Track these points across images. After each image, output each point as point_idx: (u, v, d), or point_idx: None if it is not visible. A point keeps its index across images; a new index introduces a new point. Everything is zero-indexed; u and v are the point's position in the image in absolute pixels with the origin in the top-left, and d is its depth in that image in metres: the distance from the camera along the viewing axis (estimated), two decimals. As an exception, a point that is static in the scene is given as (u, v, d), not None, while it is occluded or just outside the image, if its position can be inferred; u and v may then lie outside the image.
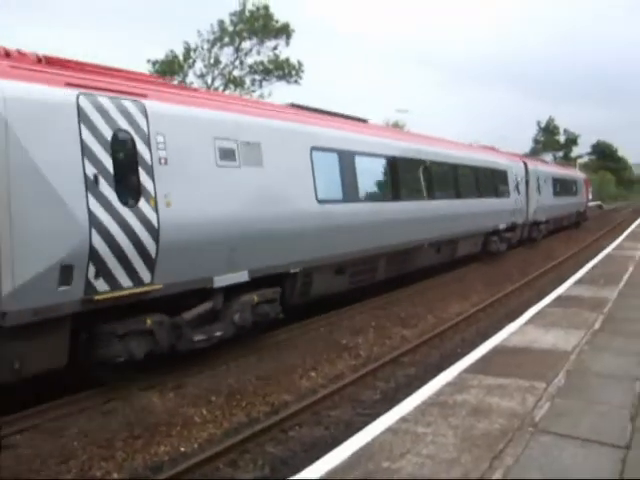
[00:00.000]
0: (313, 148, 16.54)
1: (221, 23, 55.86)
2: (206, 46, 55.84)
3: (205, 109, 13.50)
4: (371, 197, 19.79)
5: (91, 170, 10.56)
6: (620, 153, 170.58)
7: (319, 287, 16.88)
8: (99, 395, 11.50)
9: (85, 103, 10.66)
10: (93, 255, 10.41)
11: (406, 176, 22.31)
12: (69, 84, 10.61)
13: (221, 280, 13.15)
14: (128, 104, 11.46)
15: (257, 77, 57.89)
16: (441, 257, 25.68)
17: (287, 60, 57.36)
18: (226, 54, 56.85)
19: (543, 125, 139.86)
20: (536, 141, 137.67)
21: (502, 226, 32.39)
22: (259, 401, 11.77)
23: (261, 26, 55.49)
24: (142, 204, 11.34)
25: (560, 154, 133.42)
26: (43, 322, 9.94)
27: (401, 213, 20.82)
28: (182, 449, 9.85)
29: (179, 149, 12.28)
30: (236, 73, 57.60)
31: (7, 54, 10.60)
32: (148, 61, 53.51)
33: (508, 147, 36.42)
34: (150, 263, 11.44)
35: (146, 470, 9.16)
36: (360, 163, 18.77)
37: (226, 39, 56.16)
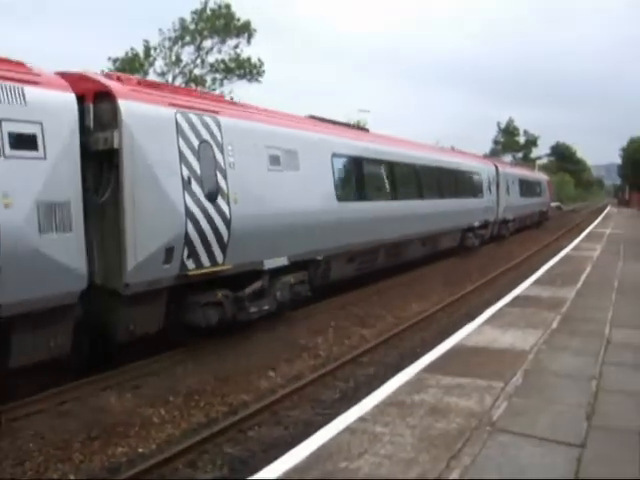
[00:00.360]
0: (333, 154, 19.69)
1: (182, 21, 55.53)
2: (167, 44, 55.48)
3: (260, 123, 16.52)
4: (375, 196, 22.81)
5: (186, 172, 13.32)
6: (579, 155, 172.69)
7: (336, 272, 19.96)
8: (56, 396, 11.33)
9: (181, 119, 13.50)
10: (187, 240, 13.19)
11: (401, 178, 25.69)
12: (171, 104, 13.48)
13: (269, 263, 16.08)
14: (208, 120, 14.33)
15: (218, 76, 57.60)
16: (425, 250, 28.82)
17: (248, 59, 57.15)
18: (187, 52, 56.54)
19: (503, 126, 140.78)
20: (496, 142, 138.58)
21: (476, 223, 35.82)
22: (218, 401, 11.73)
23: (222, 25, 55.22)
24: (219, 200, 14.19)
25: (520, 155, 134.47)
26: (150, 292, 12.66)
27: (397, 210, 23.98)
28: (140, 450, 9.79)
29: (242, 155, 15.15)
30: (197, 72, 57.28)
31: (118, 78, 13.28)
32: (109, 59, 53.06)
33: (469, 148, 38.86)
34: (223, 247, 14.26)
35: (103, 471, 9.09)
36: (366, 167, 22.47)
37: (187, 38, 55.82)
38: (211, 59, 57.25)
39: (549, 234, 50.99)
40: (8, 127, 10.07)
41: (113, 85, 12.52)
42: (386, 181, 24.16)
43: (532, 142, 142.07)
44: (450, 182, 32.50)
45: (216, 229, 14.01)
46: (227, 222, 14.30)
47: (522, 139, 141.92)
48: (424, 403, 8.68)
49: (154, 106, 12.99)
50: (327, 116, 22.20)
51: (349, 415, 8.27)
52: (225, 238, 14.25)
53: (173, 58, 55.75)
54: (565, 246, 33.86)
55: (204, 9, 55.48)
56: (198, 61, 57.01)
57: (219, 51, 57.18)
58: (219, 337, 15.11)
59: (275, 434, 10.47)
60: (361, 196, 21.61)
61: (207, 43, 56.69)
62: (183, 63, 56.43)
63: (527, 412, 8.39)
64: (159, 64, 55.61)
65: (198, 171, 13.68)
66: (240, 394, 12.12)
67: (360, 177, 22.13)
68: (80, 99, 11.58)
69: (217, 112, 14.81)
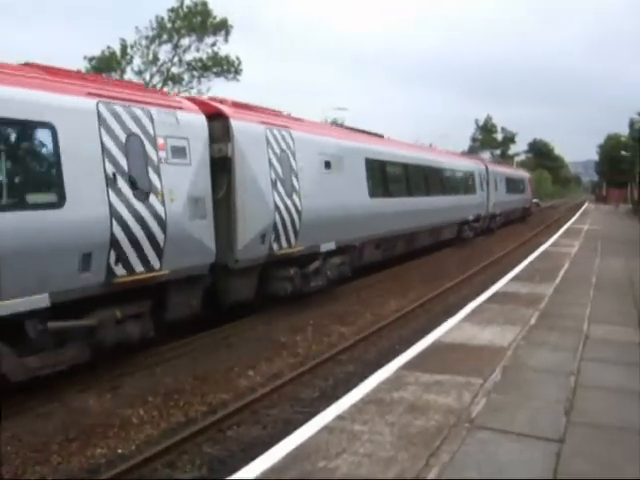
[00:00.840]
0: (366, 159, 23.91)
1: (159, 20, 55.31)
2: (144, 43, 55.24)
3: (316, 135, 20.88)
4: (395, 193, 27.37)
5: (273, 176, 17.35)
6: (557, 151, 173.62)
7: (367, 256, 24.20)
8: (34, 398, 11.22)
9: (268, 134, 17.49)
10: (275, 227, 17.22)
11: (413, 177, 30.54)
12: (261, 122, 17.48)
13: (324, 247, 20.05)
14: (285, 134, 18.38)
15: (195, 74, 57.42)
16: (431, 240, 33.42)
17: (226, 57, 57.02)
18: (164, 51, 56.33)
19: (481, 124, 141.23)
20: (474, 139, 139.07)
21: (471, 217, 40.57)
22: (197, 401, 11.65)
23: (199, 22, 55.03)
24: (294, 197, 18.26)
25: (498, 152, 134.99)
26: (250, 268, 16.59)
27: (411, 205, 28.43)
28: (119, 451, 9.69)
29: (306, 161, 19.15)
30: (175, 70, 57.10)
31: (221, 101, 17.13)
32: (84, 58, 52.78)
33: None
34: (296, 234, 18.28)
35: (82, 473, 8.98)
36: (389, 168, 27.24)
37: (164, 36, 55.60)
38: (189, 57, 57.10)
39: (527, 231, 51.26)
40: (171, 142, 13.81)
41: (225, 108, 16.43)
42: (403, 180, 29.19)
43: (510, 139, 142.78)
44: (450, 181, 37.64)
45: (292, 219, 18.08)
46: (299, 214, 18.37)
47: (500, 136, 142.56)
48: (403, 401, 8.67)
49: (251, 124, 16.92)
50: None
51: (327, 414, 8.25)
52: (298, 226, 18.31)
53: (150, 57, 55.52)
54: (543, 242, 34.10)
55: (180, 7, 55.30)
56: (175, 59, 56.83)
57: (197, 49, 57.05)
58: (198, 336, 15.09)
59: (254, 433, 10.41)
60: (386, 193, 26.15)
61: (184, 41, 56.56)
62: (160, 62, 56.23)
63: (506, 408, 8.41)
64: (137, 63, 55.39)
65: (281, 174, 17.73)
66: (219, 393, 12.06)
67: (384, 177, 26.79)
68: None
69: (289, 127, 18.92)
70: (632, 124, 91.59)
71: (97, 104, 12.15)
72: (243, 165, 16.08)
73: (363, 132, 26.91)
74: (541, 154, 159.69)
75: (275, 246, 17.32)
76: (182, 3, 55.19)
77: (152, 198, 13.08)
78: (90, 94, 12.18)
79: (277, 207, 17.28)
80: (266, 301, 18.14)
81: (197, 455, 9.61)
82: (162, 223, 13.21)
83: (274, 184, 17.28)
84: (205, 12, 55.17)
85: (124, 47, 54.16)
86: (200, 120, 14.99)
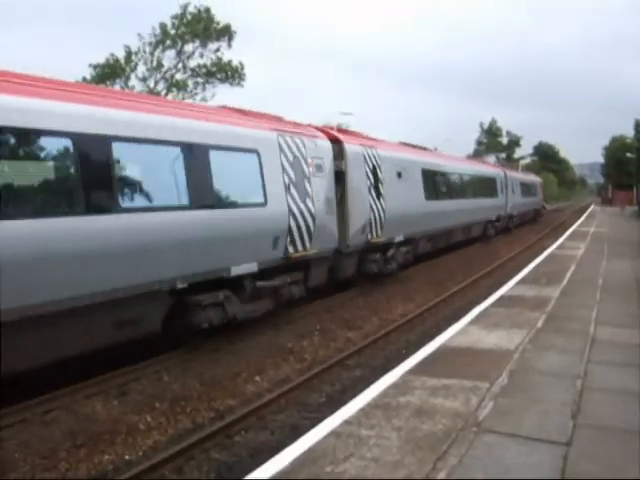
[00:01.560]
0: (422, 170, 29.73)
1: (163, 26, 55.28)
2: (148, 49, 55.20)
3: (392, 151, 26.97)
4: (442, 197, 33.13)
5: (368, 184, 22.97)
6: (562, 154, 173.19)
7: (421, 248, 29.80)
8: (41, 405, 11.25)
9: (365, 152, 23.20)
10: (370, 222, 22.83)
11: (452, 184, 36.80)
12: (361, 144, 23.38)
13: (397, 238, 25.46)
14: (374, 152, 24.06)
15: (200, 80, 57.37)
16: (464, 236, 38.91)
17: (229, 62, 56.98)
18: (168, 57, 56.29)
19: (486, 127, 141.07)
20: (479, 143, 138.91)
21: (493, 217, 45.99)
22: (204, 407, 11.65)
23: (202, 28, 54.98)
24: (381, 199, 23.79)
25: (503, 155, 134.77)
26: (354, 252, 22.26)
27: (452, 206, 34.23)
28: (127, 457, 9.69)
29: (387, 173, 24.75)
30: (179, 76, 57.04)
31: (331, 128, 24.57)
32: (89, 65, 52.78)
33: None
34: (381, 227, 23.72)
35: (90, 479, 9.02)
36: (436, 177, 32.93)
37: (168, 42, 55.58)
38: (193, 63, 57.05)
39: (533, 234, 51.25)
40: (314, 161, 19.45)
41: (340, 135, 22.56)
42: (446, 186, 35.05)
43: (515, 142, 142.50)
44: (479, 185, 43.32)
45: (380, 216, 23.65)
46: (384, 212, 23.91)
47: (505, 140, 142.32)
48: (410, 405, 8.67)
49: (355, 146, 22.69)
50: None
51: (335, 418, 8.25)
52: (383, 222, 23.82)
53: (154, 63, 55.48)
54: (549, 245, 34.03)
55: (184, 13, 55.28)
56: (180, 66, 56.79)
57: (201, 55, 56.98)
58: (205, 342, 15.09)
59: (261, 439, 10.42)
60: (436, 197, 31.71)
61: (188, 47, 56.50)
62: (165, 68, 56.20)
63: (513, 412, 8.41)
64: (141, 69, 55.36)
65: (373, 183, 23.41)
66: (226, 399, 12.07)
67: (434, 183, 32.23)
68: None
69: (376, 147, 24.68)
70: (637, 126, 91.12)
71: (277, 136, 17.70)
72: (352, 177, 21.84)
73: (416, 147, 34.23)
74: (546, 157, 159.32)
75: (369, 236, 22.96)
76: (185, 10, 55.23)
77: (307, 200, 18.61)
78: (273, 129, 17.77)
79: (371, 207, 23.09)
80: (359, 278, 23.88)
81: (204, 461, 9.63)
82: (312, 217, 18.77)
83: (369, 190, 23.08)
84: (208, 18, 55.17)
85: (128, 54, 54.15)
86: (328, 145, 20.81)
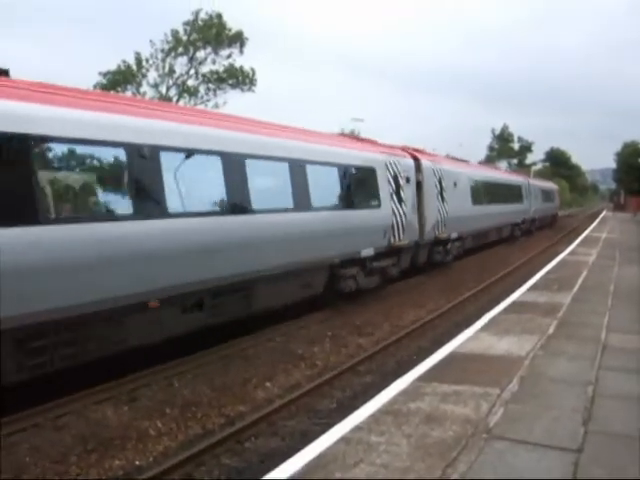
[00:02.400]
0: (468, 178, 36.61)
1: (175, 33, 55.51)
2: (160, 56, 55.44)
3: (448, 165, 33.09)
4: (484, 201, 39.56)
5: (436, 192, 29.34)
6: (574, 160, 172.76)
7: (467, 245, 35.76)
8: (52, 410, 11.28)
9: (434, 167, 29.61)
10: (438, 222, 29.10)
11: (490, 190, 42.35)
12: (431, 160, 30.04)
13: (453, 235, 31.47)
14: (439, 166, 30.29)
15: (211, 86, 57.53)
16: (496, 236, 44.76)
17: (241, 68, 57.14)
18: (180, 64, 56.52)
19: (498, 133, 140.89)
20: (491, 148, 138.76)
21: (519, 221, 52.04)
22: (214, 412, 11.66)
23: (214, 35, 55.15)
24: (444, 204, 29.96)
25: (515, 161, 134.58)
26: (426, 244, 28.63)
27: (489, 210, 40.43)
28: (137, 463, 9.71)
29: (446, 183, 30.95)
30: (190, 83, 57.26)
31: (407, 147, 30.02)
32: (99, 73, 53.02)
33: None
34: (444, 225, 29.91)
35: (101, 485, 9.05)
36: (479, 185, 39.33)
37: (180, 49, 55.81)
38: (205, 69, 57.27)
39: (545, 240, 51.28)
40: (405, 174, 25.46)
41: (418, 154, 28.64)
42: (486, 192, 40.90)
43: (527, 148, 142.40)
44: (509, 192, 49.88)
45: (443, 217, 29.98)
46: (446, 214, 30.27)
47: (517, 145, 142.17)
48: (420, 411, 8.66)
49: (427, 162, 29.14)
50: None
51: (345, 424, 8.24)
52: (445, 221, 30.16)
53: (166, 69, 55.71)
54: (561, 251, 33.97)
55: (196, 19, 55.50)
56: (192, 72, 57.02)
57: (213, 62, 57.21)
58: (215, 347, 15.11)
59: (272, 445, 10.42)
60: (479, 202, 38.02)
61: (200, 54, 56.73)
62: (177, 74, 56.42)
63: (524, 418, 8.38)
64: (152, 75, 55.59)
65: (439, 191, 29.76)
66: (237, 405, 12.07)
67: (478, 191, 38.54)
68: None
69: (440, 162, 31.66)
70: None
71: (385, 157, 24.19)
72: (426, 186, 28.33)
73: (458, 159, 40.40)
74: (558, 163, 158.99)
75: (437, 232, 29.29)
76: (197, 16, 55.43)
77: (401, 204, 24.85)
78: (381, 152, 24.42)
79: (439, 210, 29.58)
80: (424, 267, 29.63)
81: (215, 467, 9.64)
82: (405, 216, 25.01)
83: (437, 197, 29.56)
84: (220, 24, 55.35)
85: (139, 60, 54.38)
86: (412, 162, 27.21)
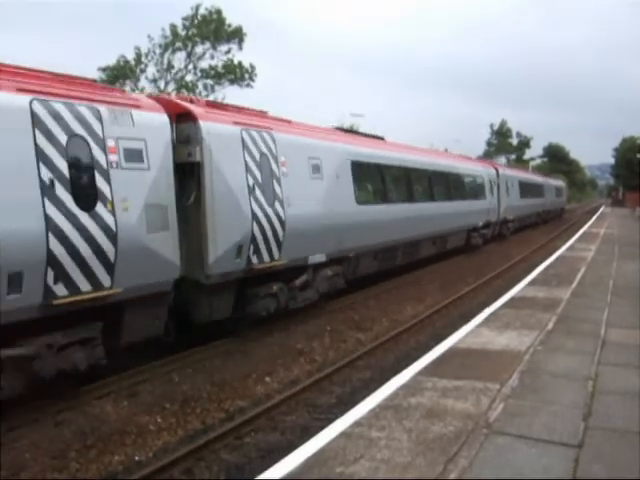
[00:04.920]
0: (520, 182, 52.42)
1: (173, 28, 55.42)
2: (158, 51, 55.37)
3: (504, 170, 49.20)
4: (522, 196, 52.17)
5: (505, 189, 46.33)
6: (572, 155, 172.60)
7: (517, 225, 49.93)
8: (51, 405, 11.27)
9: (499, 173, 45.44)
10: (505, 209, 44.98)
11: (526, 187, 54.78)
12: (493, 167, 45.25)
13: (510, 217, 46.37)
14: (499, 170, 45.86)
15: (209, 81, 57.49)
16: (536, 220, 63.11)
17: (239, 64, 57.07)
18: (178, 59, 56.47)
19: (496, 128, 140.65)
20: (489, 144, 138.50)
21: (541, 210, 66.38)
22: (214, 407, 11.68)
23: (213, 30, 55.08)
24: (507, 198, 46.21)
25: (513, 157, 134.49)
26: (500, 222, 45.44)
27: (527, 202, 54.92)
28: (137, 458, 9.73)
29: (503, 184, 44.06)
30: (189, 78, 57.20)
31: (476, 159, 51.41)
32: (99, 69, 52.94)
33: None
34: (507, 211, 45.85)
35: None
36: (519, 184, 51.78)
37: (178, 44, 55.73)
38: (204, 65, 57.21)
39: (544, 235, 51.31)
40: (491, 179, 42.09)
41: (497, 165, 48.97)
42: (524, 191, 53.60)
43: (525, 143, 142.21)
44: (540, 189, 66.80)
45: (507, 206, 45.14)
46: (508, 204, 44.80)
47: (515, 141, 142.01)
48: (420, 406, 8.65)
49: (501, 170, 46.49)
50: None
51: (345, 420, 8.24)
52: (508, 209, 44.44)
53: (165, 65, 55.65)
54: (559, 247, 33.95)
55: (195, 15, 55.42)
56: (190, 67, 56.96)
57: (211, 57, 57.14)
58: (214, 343, 15.11)
59: (272, 440, 10.43)
60: (524, 196, 52.90)
61: (198, 49, 56.67)
62: (175, 69, 56.36)
63: (524, 413, 8.38)
64: (151, 71, 55.53)
65: (506, 189, 45.04)
66: (236, 400, 12.08)
67: (520, 189, 51.61)
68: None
69: (498, 168, 45.70)
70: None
71: (484, 167, 39.98)
72: (501, 186, 42.51)
73: (521, 169, 62.37)
74: (556, 158, 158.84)
75: (505, 215, 43.56)
76: (196, 12, 55.34)
77: (492, 197, 40.65)
78: (482, 166, 40.65)
79: (505, 201, 42.99)
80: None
81: (214, 462, 9.64)
82: (495, 205, 40.74)
83: (505, 192, 43.36)
84: (219, 20, 55.28)
85: (138, 55, 54.31)
86: (494, 171, 39.76)
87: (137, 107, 12.94)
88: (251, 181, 15.50)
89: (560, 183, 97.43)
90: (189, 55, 56.42)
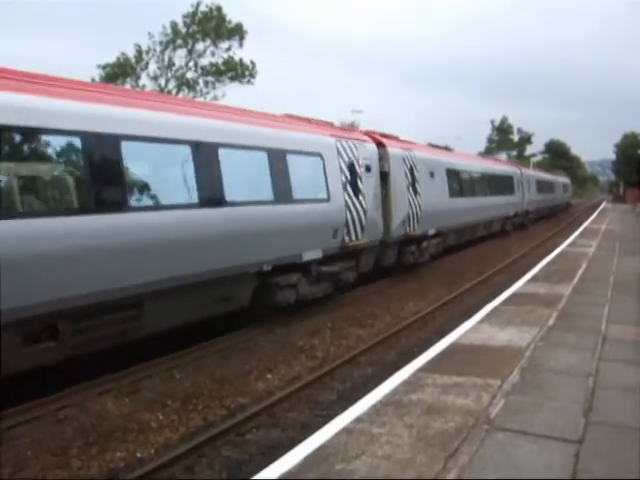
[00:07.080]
0: (536, 181, 60.72)
1: (174, 25, 55.35)
2: (159, 48, 55.27)
3: (526, 171, 58.03)
4: (538, 192, 60.22)
5: (525, 187, 54.31)
6: (573, 151, 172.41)
7: (528, 220, 55.21)
8: (53, 402, 11.26)
9: (522, 172, 54.30)
10: (523, 202, 52.91)
11: (543, 185, 65.77)
12: (517, 168, 54.27)
13: (511, 214, 47.26)
14: (522, 171, 54.36)
15: (210, 79, 57.38)
16: (548, 212, 71.27)
17: (240, 61, 56.99)
18: (179, 56, 56.37)
19: (497, 124, 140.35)
20: (490, 140, 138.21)
21: (552, 204, 74.27)
22: (215, 404, 11.67)
23: (213, 27, 55.00)
24: (525, 194, 53.54)
25: (514, 153, 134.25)
26: (519, 215, 51.96)
27: (542, 197, 63.25)
28: (138, 455, 9.70)
29: (525, 182, 53.81)
30: (190, 75, 57.11)
31: (511, 163, 64.12)
32: (98, 66, 52.84)
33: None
34: (528, 203, 55.49)
35: (102, 477, 9.02)
36: (536, 182, 60.51)
37: (179, 41, 55.66)
38: (204, 62, 57.11)
39: (545, 231, 51.29)
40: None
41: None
42: (539, 186, 61.11)
43: (526, 140, 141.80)
44: (555, 186, 78.57)
45: (522, 200, 52.16)
46: (524, 200, 52.71)
47: (516, 137, 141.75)
48: (421, 402, 8.67)
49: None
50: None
51: (346, 416, 8.25)
52: (525, 202, 53.22)
53: (166, 62, 55.56)
54: (561, 243, 33.95)
55: (195, 12, 55.33)
56: (191, 64, 56.87)
57: (212, 54, 57.04)
58: (216, 340, 15.12)
59: (273, 436, 10.42)
60: (539, 193, 60.73)
61: (199, 46, 56.57)
62: (176, 67, 56.27)
63: (524, 409, 8.39)
64: (152, 68, 55.43)
65: (527, 188, 54.61)
66: (238, 397, 12.08)
67: (538, 186, 60.15)
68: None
69: (521, 169, 54.37)
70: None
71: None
72: (525, 184, 52.50)
73: (523, 165, 62.57)
74: (557, 154, 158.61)
75: (522, 209, 50.44)
76: (197, 8, 55.26)
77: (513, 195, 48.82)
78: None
79: (524, 197, 51.08)
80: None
81: (216, 459, 9.63)
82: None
83: (526, 189, 51.95)
84: (220, 17, 55.20)
85: (139, 53, 54.22)
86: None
87: (364, 141, 22.55)
88: (408, 182, 25.50)
89: (566, 180, 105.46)
90: (190, 52, 56.31)
